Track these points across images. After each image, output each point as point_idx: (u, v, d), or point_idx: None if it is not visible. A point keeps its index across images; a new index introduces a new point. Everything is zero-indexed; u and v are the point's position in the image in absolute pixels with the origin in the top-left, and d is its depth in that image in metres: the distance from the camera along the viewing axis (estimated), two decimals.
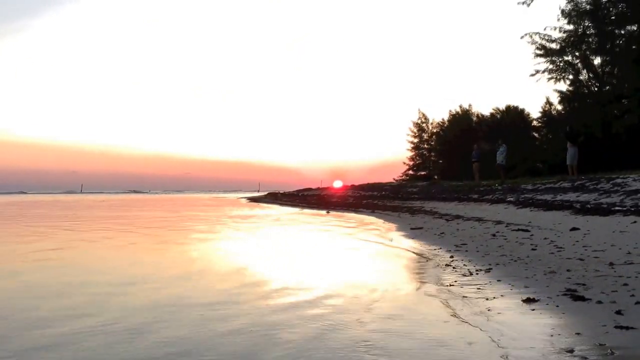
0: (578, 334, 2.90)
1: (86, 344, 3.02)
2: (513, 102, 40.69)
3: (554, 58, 27.01)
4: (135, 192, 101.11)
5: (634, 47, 23.73)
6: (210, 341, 3.06)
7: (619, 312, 3.18)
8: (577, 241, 6.51)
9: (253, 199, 42.07)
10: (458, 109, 45.61)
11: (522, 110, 39.34)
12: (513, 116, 38.75)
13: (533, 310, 3.50)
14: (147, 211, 22.53)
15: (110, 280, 5.30)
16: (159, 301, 4.18)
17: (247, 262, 6.60)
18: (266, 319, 3.54)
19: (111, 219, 16.11)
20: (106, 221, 15.20)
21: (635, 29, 23.97)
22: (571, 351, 2.65)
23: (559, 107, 30.84)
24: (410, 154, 50.22)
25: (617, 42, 24.87)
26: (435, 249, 7.02)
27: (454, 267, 5.44)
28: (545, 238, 7.05)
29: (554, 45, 26.97)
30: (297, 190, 48.37)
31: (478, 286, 4.40)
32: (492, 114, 41.47)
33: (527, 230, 8.06)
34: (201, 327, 3.35)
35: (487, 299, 3.90)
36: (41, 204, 33.27)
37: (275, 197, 40.73)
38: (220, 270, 6.05)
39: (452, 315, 3.55)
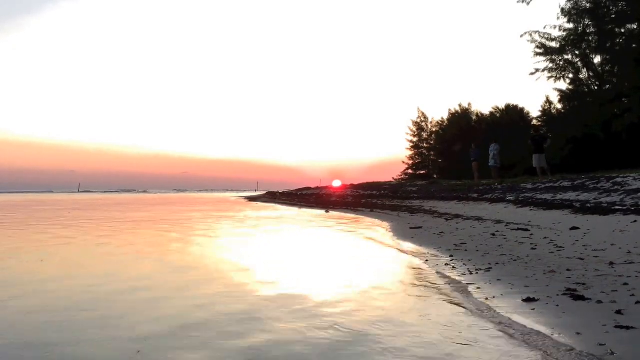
0: (578, 333, 2.87)
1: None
2: (513, 101, 40.73)
3: (553, 57, 26.97)
4: (132, 191, 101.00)
5: (634, 45, 23.69)
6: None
7: (619, 312, 3.16)
8: (577, 240, 6.49)
9: (251, 198, 42.05)
10: (458, 108, 45.57)
11: (522, 109, 39.31)
12: (513, 115, 38.68)
13: (533, 309, 3.47)
14: (147, 212, 22.51)
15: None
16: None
17: (241, 264, 6.58)
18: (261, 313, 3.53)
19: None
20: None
21: (635, 27, 23.93)
22: (571, 351, 2.62)
23: (559, 106, 30.80)
24: (409, 153, 50.25)
25: (617, 40, 24.83)
26: (434, 248, 7.00)
27: (453, 267, 5.41)
28: (545, 237, 7.03)
29: (553, 44, 26.96)
30: (296, 190, 48.32)
31: (478, 286, 4.38)
32: (491, 113, 41.43)
33: (526, 230, 8.03)
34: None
35: (486, 299, 3.88)
36: (67, 203, 33.21)
37: (274, 197, 40.69)
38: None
39: (451, 315, 3.53)
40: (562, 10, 25.88)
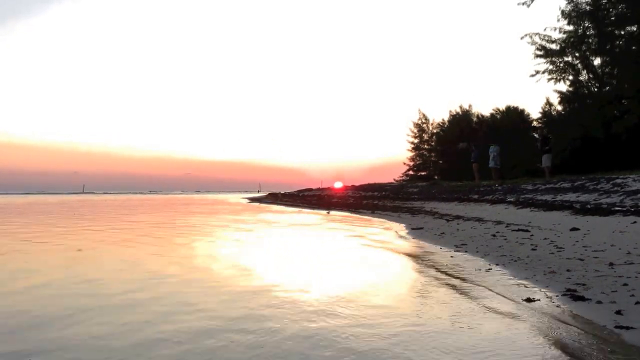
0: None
1: None
2: (513, 103, 40.68)
3: (554, 59, 26.98)
4: (134, 192, 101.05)
5: (633, 47, 23.71)
6: None
7: (619, 312, 3.19)
8: (577, 241, 6.52)
9: (254, 200, 42.13)
10: (458, 109, 45.61)
11: (522, 111, 39.32)
12: (513, 116, 38.70)
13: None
14: (152, 215, 22.54)
15: None
16: None
17: (244, 265, 6.60)
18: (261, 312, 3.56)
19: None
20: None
21: (635, 29, 23.96)
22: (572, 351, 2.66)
23: (559, 108, 30.83)
24: (410, 154, 50.23)
25: (617, 42, 24.85)
26: (435, 249, 7.03)
27: (453, 267, 5.45)
28: (545, 238, 7.06)
29: (554, 46, 26.96)
30: (297, 191, 48.41)
31: (478, 286, 4.41)
32: (492, 114, 41.46)
33: (527, 231, 8.07)
34: None
35: (486, 299, 3.92)
36: (90, 203, 33.21)
37: (276, 198, 40.76)
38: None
39: (451, 315, 3.56)
40: (562, 12, 25.91)
